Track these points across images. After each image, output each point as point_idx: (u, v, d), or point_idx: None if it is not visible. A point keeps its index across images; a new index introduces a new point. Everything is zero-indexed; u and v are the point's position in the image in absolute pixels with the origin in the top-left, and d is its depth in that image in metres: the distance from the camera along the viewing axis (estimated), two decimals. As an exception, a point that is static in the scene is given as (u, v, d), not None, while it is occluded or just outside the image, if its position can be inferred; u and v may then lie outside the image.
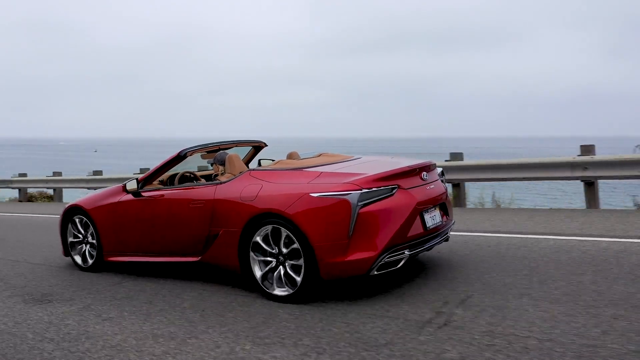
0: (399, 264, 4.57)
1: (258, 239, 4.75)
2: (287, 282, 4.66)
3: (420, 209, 4.69)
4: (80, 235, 6.34)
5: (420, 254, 5.48)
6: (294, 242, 4.54)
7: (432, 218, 4.85)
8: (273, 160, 6.46)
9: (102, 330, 4.27)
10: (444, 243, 5.44)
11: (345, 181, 4.52)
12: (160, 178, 6.01)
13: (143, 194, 5.71)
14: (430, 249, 4.92)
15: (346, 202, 4.40)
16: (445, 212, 5.15)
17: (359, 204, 4.39)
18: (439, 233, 4.96)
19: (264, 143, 6.77)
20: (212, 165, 5.95)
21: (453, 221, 5.37)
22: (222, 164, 5.72)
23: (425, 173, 4.96)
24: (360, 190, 4.42)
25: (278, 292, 4.68)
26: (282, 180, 4.83)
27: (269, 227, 4.67)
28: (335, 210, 4.42)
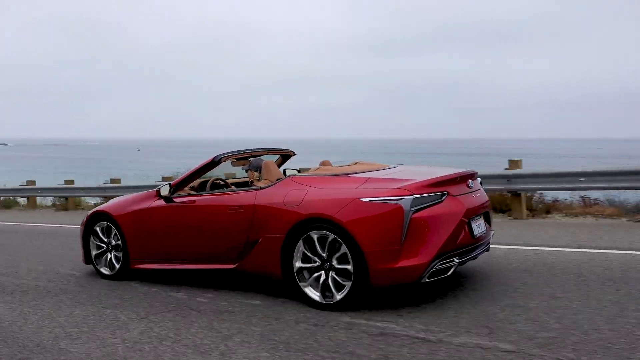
0: (448, 271, 4.52)
1: (302, 245, 4.65)
2: (333, 289, 4.55)
3: (468, 217, 4.66)
4: (103, 245, 6.14)
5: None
6: (341, 248, 4.46)
7: (478, 226, 4.84)
8: (298, 170, 6.40)
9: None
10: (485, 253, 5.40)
11: (396, 186, 4.48)
12: (191, 184, 5.88)
13: (175, 199, 5.56)
14: (476, 257, 4.89)
15: (399, 207, 4.34)
16: (488, 221, 5.14)
17: (412, 209, 4.35)
18: (483, 242, 4.94)
19: (293, 152, 6.70)
20: (246, 172, 5.85)
21: (493, 231, 5.36)
22: (258, 170, 5.63)
23: (470, 181, 4.95)
24: (412, 195, 4.38)
25: (320, 299, 4.59)
26: (328, 185, 4.76)
27: (314, 234, 4.57)
28: (387, 215, 4.36)
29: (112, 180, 15.98)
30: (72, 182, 16.76)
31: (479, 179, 5.36)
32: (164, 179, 13.45)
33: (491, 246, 5.51)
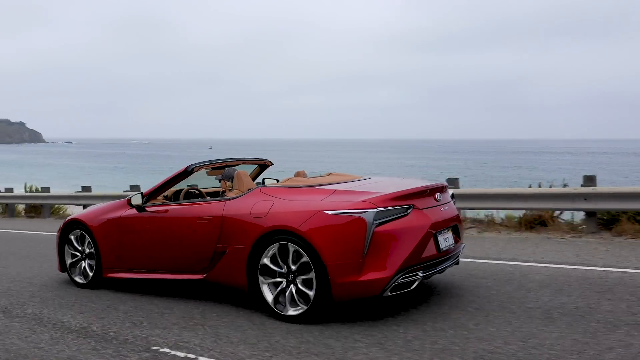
0: (412, 285, 4.48)
1: (266, 260, 4.65)
2: (300, 300, 4.53)
3: (434, 231, 4.63)
4: (78, 253, 6.15)
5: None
6: (303, 259, 4.45)
7: (445, 240, 4.80)
8: (277, 180, 6.38)
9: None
10: (454, 266, 5.35)
11: (360, 199, 4.46)
12: (165, 193, 5.88)
13: (147, 208, 5.57)
14: (443, 271, 4.85)
15: (361, 220, 4.32)
16: (457, 234, 5.10)
17: (375, 222, 4.32)
18: (451, 256, 4.90)
19: (270, 162, 6.69)
20: (219, 182, 5.85)
21: (464, 244, 5.31)
22: (230, 180, 5.62)
23: (439, 194, 4.92)
24: (376, 208, 4.36)
25: (292, 312, 4.55)
26: (294, 197, 4.75)
27: (279, 245, 4.57)
28: (350, 228, 4.34)
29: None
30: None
31: (450, 192, 5.33)
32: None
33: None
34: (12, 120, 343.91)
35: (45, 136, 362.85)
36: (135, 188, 13.43)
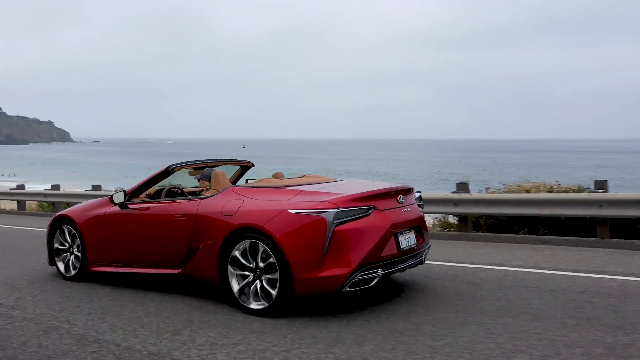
0: (371, 282, 4.68)
1: (237, 253, 4.88)
2: (263, 296, 4.76)
3: (394, 231, 4.81)
4: (66, 244, 6.44)
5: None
6: (270, 257, 4.67)
7: (407, 240, 4.97)
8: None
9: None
10: (419, 266, 5.51)
11: (322, 199, 4.66)
12: (148, 192, 6.16)
13: (129, 206, 5.85)
14: (404, 270, 5.02)
15: (322, 219, 4.53)
16: (420, 235, 5.27)
17: (335, 222, 4.53)
18: (413, 255, 5.07)
19: (252, 163, 6.94)
20: (199, 181, 6.10)
21: (429, 245, 5.48)
22: (209, 180, 5.87)
23: (401, 196, 5.10)
24: (337, 208, 4.57)
25: (254, 305, 4.77)
26: (263, 196, 4.97)
27: (247, 242, 4.80)
28: (311, 227, 4.55)
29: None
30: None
31: (416, 194, 5.51)
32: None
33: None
34: (41, 119, 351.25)
35: (72, 135, 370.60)
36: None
